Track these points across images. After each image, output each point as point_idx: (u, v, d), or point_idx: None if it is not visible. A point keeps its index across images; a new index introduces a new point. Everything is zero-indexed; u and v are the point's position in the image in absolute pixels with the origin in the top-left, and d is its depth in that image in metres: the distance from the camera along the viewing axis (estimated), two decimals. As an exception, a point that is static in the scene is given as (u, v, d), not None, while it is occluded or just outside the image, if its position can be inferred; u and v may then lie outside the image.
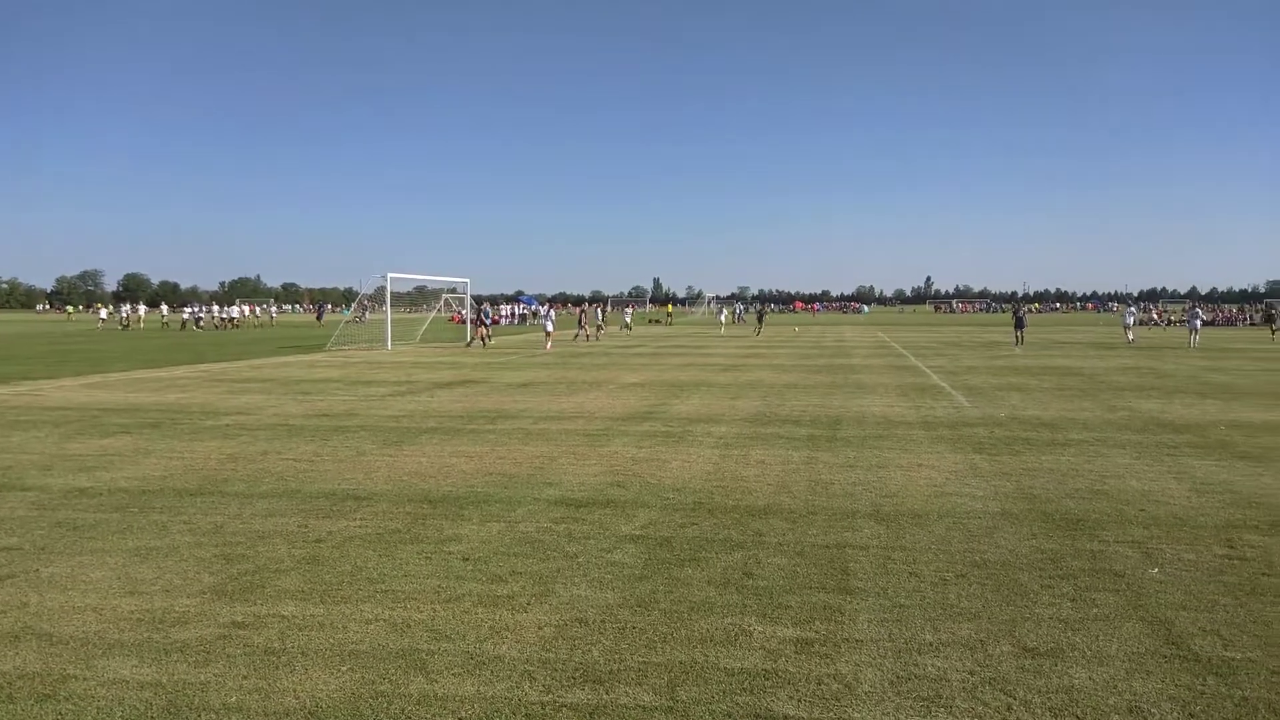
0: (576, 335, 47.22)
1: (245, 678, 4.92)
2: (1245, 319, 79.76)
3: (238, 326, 70.63)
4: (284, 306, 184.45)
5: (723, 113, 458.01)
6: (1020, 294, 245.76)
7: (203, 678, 4.91)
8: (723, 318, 73.68)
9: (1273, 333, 50.20)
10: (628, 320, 62.53)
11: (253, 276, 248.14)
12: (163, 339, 47.88)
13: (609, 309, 75.44)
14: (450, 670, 5.00)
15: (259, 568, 6.88)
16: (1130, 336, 43.92)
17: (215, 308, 79.07)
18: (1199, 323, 41.36)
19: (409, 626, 5.66)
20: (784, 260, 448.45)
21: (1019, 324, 40.89)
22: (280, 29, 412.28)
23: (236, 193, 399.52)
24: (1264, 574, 6.69)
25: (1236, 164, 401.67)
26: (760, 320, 63.07)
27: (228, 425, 14.39)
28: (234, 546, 7.44)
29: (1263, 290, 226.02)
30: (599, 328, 48.93)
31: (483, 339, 39.19)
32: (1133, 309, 48.30)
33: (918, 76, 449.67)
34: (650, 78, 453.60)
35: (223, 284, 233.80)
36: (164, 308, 78.60)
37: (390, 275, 39.22)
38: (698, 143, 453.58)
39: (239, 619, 5.81)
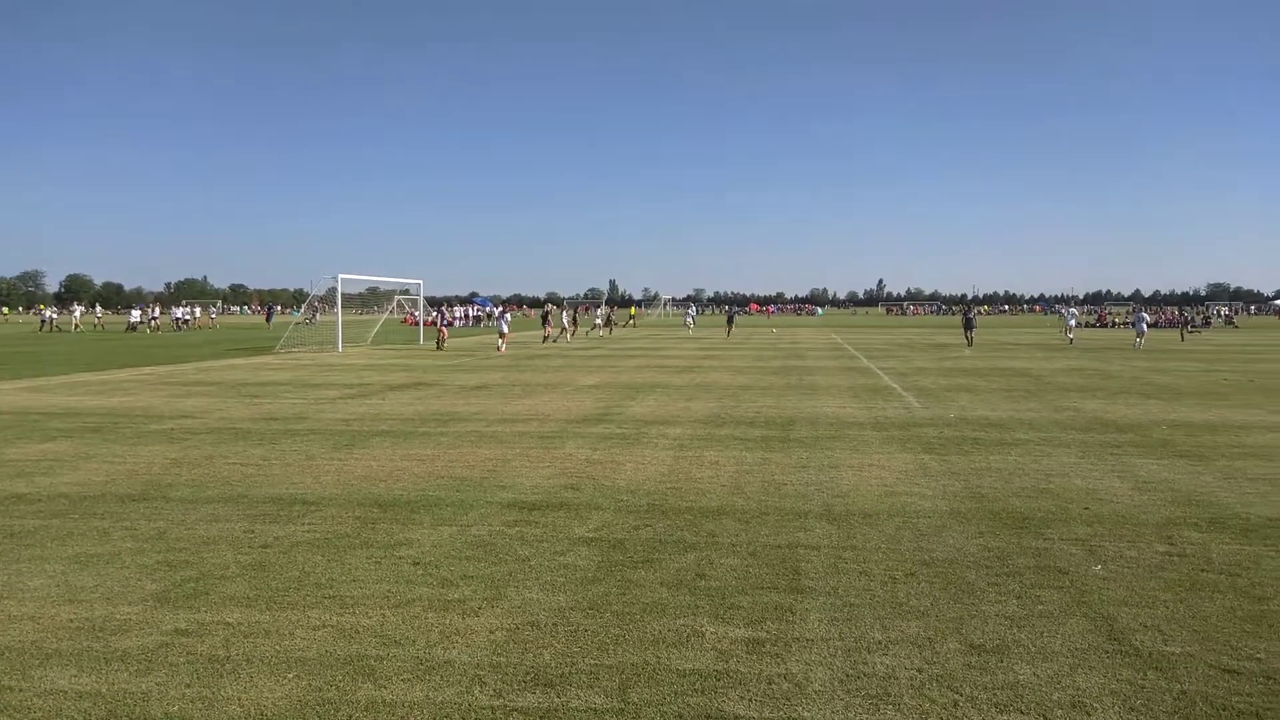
0: (545, 337, 47.09)
1: (188, 686, 4.84)
2: (1187, 321, 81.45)
3: (193, 327, 69.52)
4: (230, 308, 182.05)
5: (676, 113, 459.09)
6: (970, 296, 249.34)
7: (144, 687, 4.81)
8: (690, 319, 74.06)
9: (1182, 337, 51.50)
10: (599, 321, 60.23)
11: (200, 277, 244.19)
12: (102, 342, 46.95)
13: (586, 311, 75.17)
14: (399, 676, 4.95)
15: (203, 574, 6.76)
16: (1070, 337, 44.83)
17: (177, 309, 78.13)
18: (1145, 325, 42.28)
19: (357, 632, 5.60)
20: (740, 262, 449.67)
21: (968, 325, 41.65)
22: (227, 31, 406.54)
23: (183, 192, 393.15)
24: (1203, 570, 6.83)
25: (1177, 172, 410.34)
26: (730, 322, 63.51)
27: (172, 429, 14.14)
28: (178, 553, 7.31)
29: (1204, 293, 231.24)
30: (563, 330, 48.76)
31: (439, 341, 38.97)
32: (1074, 311, 49.43)
33: (869, 77, 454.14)
34: (600, 78, 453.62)
35: (169, 285, 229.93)
36: (98, 309, 75.40)
37: (341, 276, 38.83)
38: (652, 143, 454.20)
39: (182, 626, 5.71)
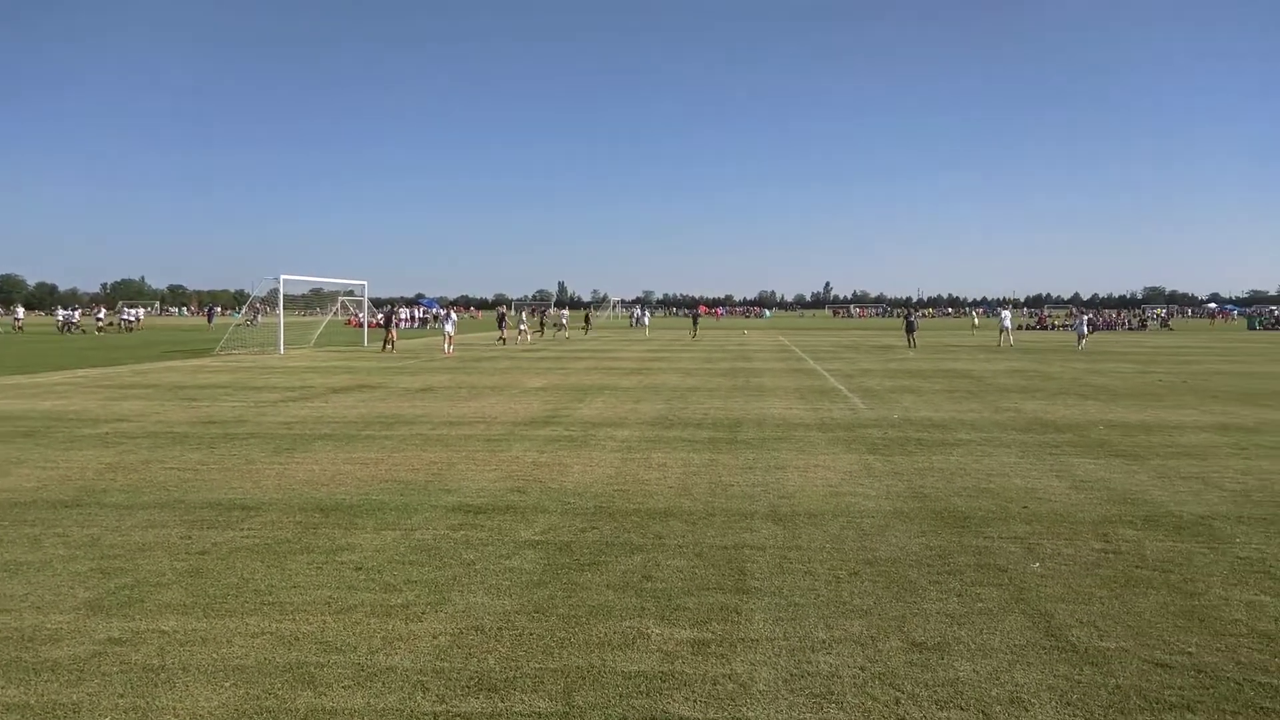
0: (501, 339, 46.84)
1: (121, 697, 4.72)
2: (1124, 324, 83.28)
3: (139, 329, 68.29)
4: (169, 309, 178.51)
5: (625, 116, 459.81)
6: (914, 299, 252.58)
7: (75, 698, 4.69)
8: (646, 320, 74.25)
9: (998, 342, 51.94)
10: (564, 322, 61.14)
11: (137, 278, 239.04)
12: (33, 344, 45.75)
13: (539, 314, 75.24)
14: (340, 683, 4.88)
15: (138, 581, 6.61)
16: (1009, 340, 45.57)
17: (127, 311, 76.89)
18: (1086, 327, 43.16)
19: (297, 639, 5.51)
20: (689, 265, 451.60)
21: (910, 328, 42.35)
22: (162, 28, 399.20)
23: (119, 191, 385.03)
24: (1137, 567, 6.97)
25: (1116, 179, 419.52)
26: (695, 324, 64.42)
27: (107, 433, 13.82)
28: (112, 560, 7.14)
29: (1140, 296, 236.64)
30: (521, 332, 48.61)
31: (388, 343, 38.54)
32: (1007, 313, 50.36)
33: (820, 79, 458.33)
34: (551, 80, 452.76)
35: (105, 285, 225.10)
36: (19, 310, 72.82)
37: (284, 277, 38.21)
38: (600, 144, 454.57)
39: (116, 635, 5.57)
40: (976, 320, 75.18)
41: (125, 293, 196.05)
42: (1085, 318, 47.05)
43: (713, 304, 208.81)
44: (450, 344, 36.87)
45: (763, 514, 8.67)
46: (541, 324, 60.45)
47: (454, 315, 40.30)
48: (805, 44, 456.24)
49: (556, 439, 13.35)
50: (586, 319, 72.17)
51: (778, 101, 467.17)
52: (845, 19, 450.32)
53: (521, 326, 48.38)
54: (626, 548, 7.50)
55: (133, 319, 73.47)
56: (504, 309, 56.27)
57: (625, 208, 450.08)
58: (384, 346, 38.51)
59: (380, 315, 47.95)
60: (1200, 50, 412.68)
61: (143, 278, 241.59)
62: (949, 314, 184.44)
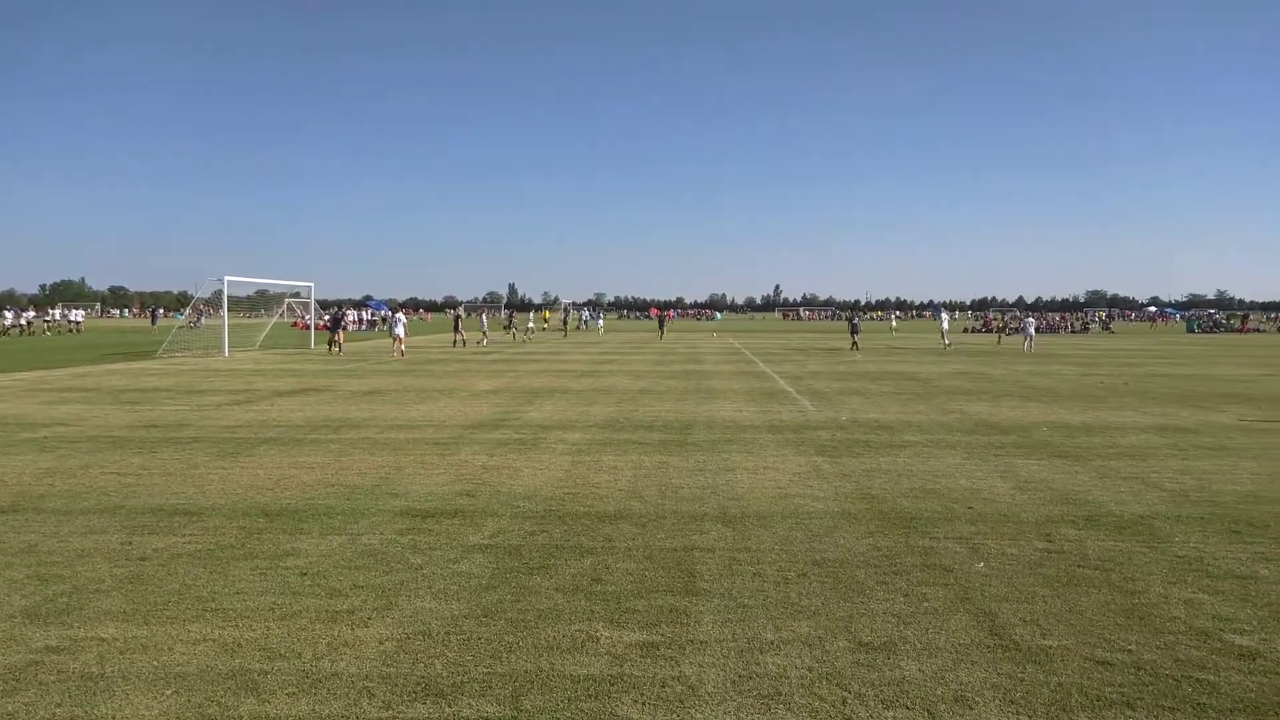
0: (457, 341, 46.49)
1: (59, 706, 4.62)
2: (1068, 326, 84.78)
3: (59, 331, 67.24)
4: (110, 311, 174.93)
5: (575, 117, 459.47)
6: (862, 302, 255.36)
7: (11, 708, 4.57)
8: (600, 323, 74.47)
9: (998, 339, 53.40)
10: (530, 325, 61.40)
11: (77, 279, 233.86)
12: (-24, 347, 44.64)
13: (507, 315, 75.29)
14: (284, 690, 4.81)
15: (77, 588, 6.47)
16: (946, 341, 46.50)
17: (73, 312, 75.97)
18: (1033, 330, 44.09)
19: (240, 646, 5.42)
20: (639, 267, 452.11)
21: (854, 330, 43.16)
22: (104, 29, 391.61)
23: (57, 189, 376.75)
24: (1079, 566, 7.09)
25: (1059, 183, 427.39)
26: (661, 326, 65.72)
27: (45, 437, 13.51)
28: (49, 566, 6.98)
29: (1083, 300, 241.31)
30: (485, 334, 48.42)
31: (331, 344, 38.13)
32: (945, 315, 51.64)
33: (768, 84, 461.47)
34: (503, 81, 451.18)
35: (43, 287, 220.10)
36: None
37: (228, 278, 37.63)
38: (550, 146, 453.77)
39: (53, 643, 5.45)
40: (895, 324, 76.82)
41: (65, 294, 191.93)
42: (1031, 321, 47.99)
43: (664, 306, 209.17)
44: (400, 346, 36.50)
45: (712, 516, 8.70)
46: (511, 325, 60.25)
47: (403, 317, 39.77)
48: (747, 46, 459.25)
49: (506, 442, 13.29)
50: (564, 321, 73.50)
51: (729, 105, 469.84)
52: (777, 19, 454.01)
53: (484, 328, 48.15)
54: (576, 551, 7.48)
55: (79, 320, 72.29)
56: (460, 311, 56.10)
57: (577, 210, 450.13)
58: (330, 349, 38.09)
59: (327, 317, 47.21)
60: (1137, 53, 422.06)
61: (83, 279, 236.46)
62: (897, 316, 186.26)
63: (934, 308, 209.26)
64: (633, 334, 67.42)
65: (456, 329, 47.92)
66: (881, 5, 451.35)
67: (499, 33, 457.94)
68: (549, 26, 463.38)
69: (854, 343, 42.27)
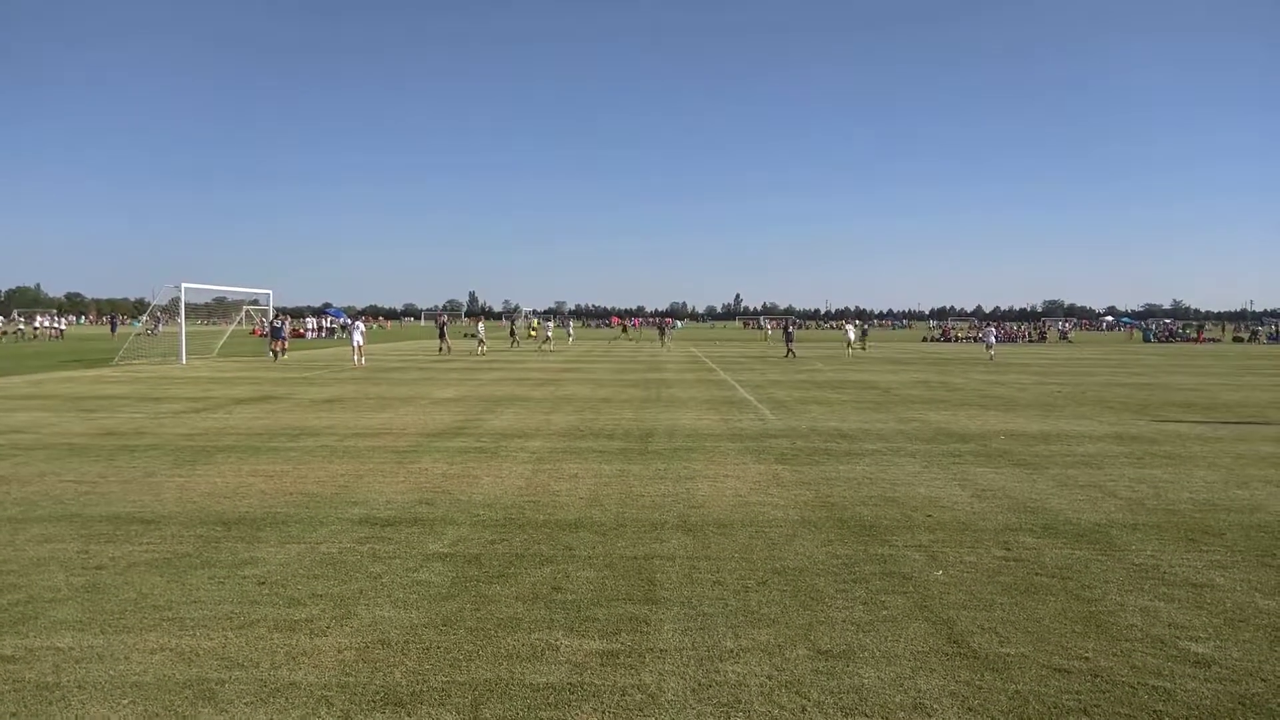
0: (442, 349, 46.18)
1: (14, 715, 4.55)
2: (1025, 336, 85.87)
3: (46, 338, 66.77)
4: (66, 317, 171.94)
5: (538, 125, 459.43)
6: (823, 311, 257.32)
7: (-41, 721, 4.49)
8: (570, 329, 74.21)
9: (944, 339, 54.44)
10: (549, 334, 57.97)
11: (32, 285, 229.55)
12: (-75, 352, 43.73)
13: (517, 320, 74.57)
14: (241, 699, 4.76)
15: (32, 598, 6.37)
16: (850, 351, 48.12)
17: (47, 319, 76.12)
18: (994, 339, 44.90)
19: (197, 655, 5.36)
20: (600, 275, 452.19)
21: (788, 338, 44.01)
22: (48, 23, 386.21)
23: (9, 192, 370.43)
24: (1036, 574, 7.19)
25: (1018, 193, 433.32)
26: (663, 334, 66.73)
27: (1, 445, 13.29)
28: (4, 576, 6.86)
29: (1040, 309, 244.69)
30: (482, 342, 47.85)
31: (274, 352, 37.79)
32: (850, 326, 53.81)
33: (730, 91, 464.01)
34: (460, 84, 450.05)
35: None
36: None
37: (186, 285, 37.10)
38: (508, 152, 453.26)
39: (8, 653, 5.37)
40: (770, 330, 77.31)
41: (20, 300, 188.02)
42: (992, 330, 48.81)
43: (624, 315, 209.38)
44: (360, 354, 36.19)
45: (673, 524, 8.72)
46: (513, 333, 59.23)
47: (362, 325, 39.47)
48: (713, 55, 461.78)
49: (466, 450, 13.24)
50: (513, 331, 70.49)
51: (688, 114, 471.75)
52: (742, 30, 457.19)
53: (480, 336, 47.44)
54: (536, 559, 7.47)
55: (61, 327, 73.62)
56: (444, 318, 55.88)
57: (537, 217, 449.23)
58: (273, 356, 37.72)
59: (265, 324, 46.10)
60: (1094, 62, 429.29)
61: (38, 285, 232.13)
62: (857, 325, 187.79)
63: (894, 317, 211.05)
64: (596, 342, 67.29)
65: (442, 336, 47.80)
66: (872, 14, 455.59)
67: (460, 35, 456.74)
68: (518, 30, 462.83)
69: (789, 351, 43.07)
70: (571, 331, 69.97)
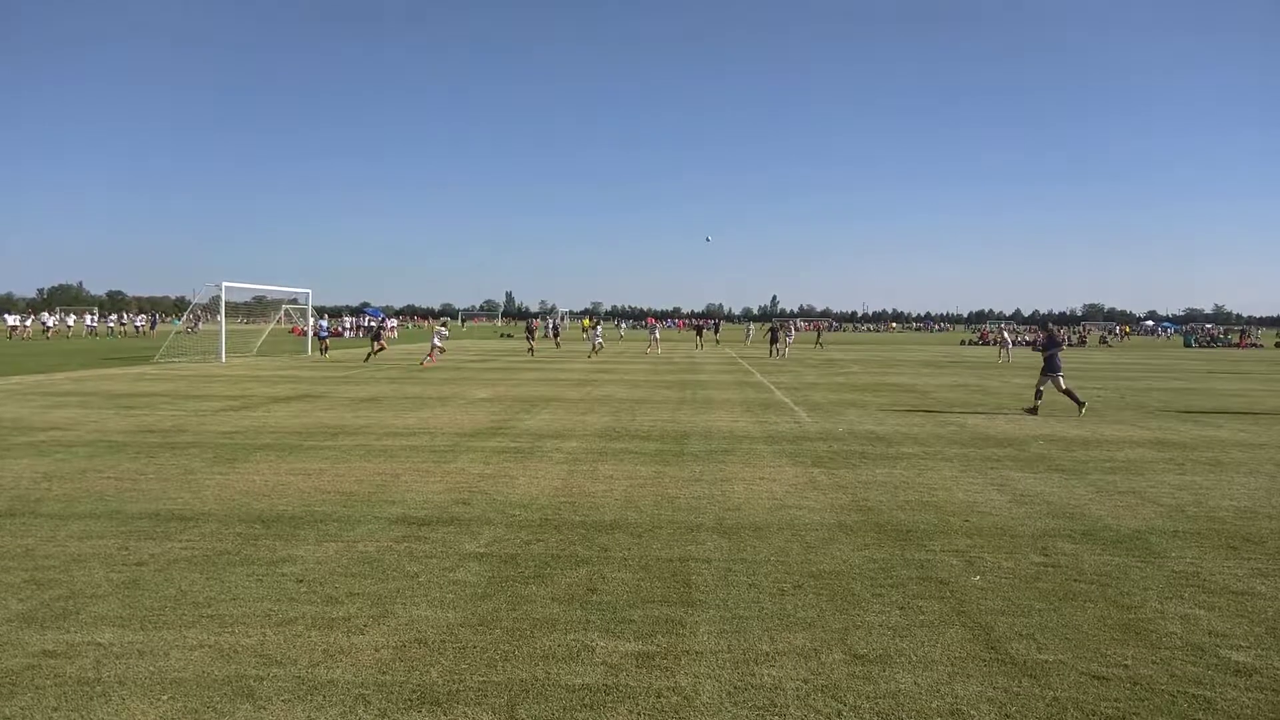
0: (531, 349, 46.71)
1: (55, 710, 4.62)
2: (1065, 340, 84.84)
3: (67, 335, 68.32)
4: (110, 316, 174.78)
5: (575, 126, 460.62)
6: (860, 314, 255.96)
7: (7, 712, 4.57)
8: (598, 336, 73.95)
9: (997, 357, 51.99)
10: (600, 336, 51.95)
11: (75, 283, 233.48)
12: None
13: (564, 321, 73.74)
14: (279, 696, 4.81)
15: (73, 593, 6.47)
16: (747, 340, 48.10)
17: (140, 317, 79.24)
18: (1010, 343, 44.51)
19: (236, 652, 5.42)
20: (637, 276, 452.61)
21: (774, 339, 44.17)
22: (104, 26, 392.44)
23: (54, 192, 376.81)
24: (1075, 580, 7.10)
25: (1058, 198, 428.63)
26: (700, 335, 64.88)
27: (43, 441, 13.50)
28: (46, 571, 6.98)
29: (1080, 313, 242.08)
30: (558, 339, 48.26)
31: (375, 350, 38.65)
32: (752, 325, 53.48)
33: (763, 90, 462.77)
34: (496, 89, 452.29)
35: (41, 291, 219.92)
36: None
37: (226, 284, 37.65)
38: (548, 155, 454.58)
39: (50, 648, 5.45)
40: (753, 331, 76.27)
41: (62, 298, 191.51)
42: (1006, 332, 48.49)
43: (660, 316, 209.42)
44: (378, 347, 37.55)
45: (708, 526, 8.70)
46: (556, 334, 58.98)
47: (390, 323, 40.75)
48: (752, 52, 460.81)
49: (503, 450, 13.29)
50: (531, 334, 68.08)
51: (725, 114, 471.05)
52: (760, 26, 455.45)
53: (555, 332, 48.28)
54: (572, 560, 7.49)
55: (141, 324, 76.36)
56: (534, 319, 56.40)
57: (573, 218, 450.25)
58: (372, 352, 38.71)
59: (312, 324, 46.56)
60: (1135, 64, 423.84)
61: (80, 283, 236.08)
62: (894, 328, 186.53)
63: (929, 320, 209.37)
64: (632, 344, 67.32)
65: (530, 336, 49.24)
66: (881, 13, 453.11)
67: (494, 36, 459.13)
68: (549, 29, 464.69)
69: (772, 350, 43.13)
70: (600, 338, 60.59)
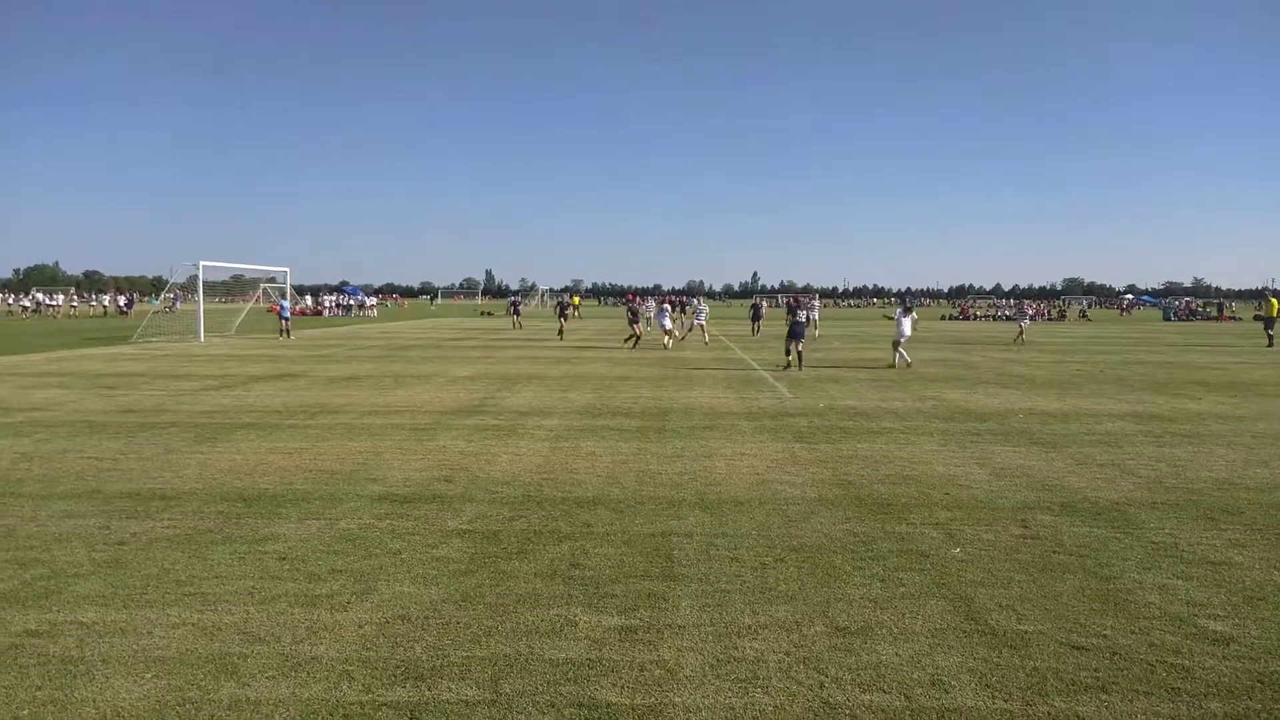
0: (633, 337, 36.53)
1: (39, 689, 4.62)
2: (1044, 314, 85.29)
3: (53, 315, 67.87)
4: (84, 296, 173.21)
5: (554, 102, 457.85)
6: (841, 289, 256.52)
7: (-12, 693, 4.56)
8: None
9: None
10: (667, 325, 33.74)
11: (51, 263, 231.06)
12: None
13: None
14: (264, 673, 4.82)
15: (55, 572, 6.45)
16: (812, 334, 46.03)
17: (121, 297, 78.39)
18: (1028, 320, 44.36)
19: (219, 630, 5.42)
20: (617, 253, 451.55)
21: (755, 316, 42.46)
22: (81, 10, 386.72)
23: (29, 172, 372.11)
24: (1054, 552, 7.18)
25: (1036, 173, 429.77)
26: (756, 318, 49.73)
27: (21, 422, 13.41)
28: (28, 550, 6.95)
29: (1060, 287, 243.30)
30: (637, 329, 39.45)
31: (518, 324, 38.35)
32: (653, 301, 52.57)
33: (749, 70, 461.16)
34: (479, 66, 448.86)
35: (17, 271, 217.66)
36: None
37: (203, 264, 37.32)
38: (527, 132, 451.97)
39: (32, 627, 5.45)
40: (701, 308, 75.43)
41: (39, 279, 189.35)
42: (1028, 310, 48.24)
43: (642, 293, 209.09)
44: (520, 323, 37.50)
45: (690, 502, 8.74)
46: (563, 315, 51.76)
47: (369, 300, 40.25)
48: (741, 39, 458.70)
49: (484, 428, 13.28)
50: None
51: (709, 94, 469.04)
52: (745, 12, 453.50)
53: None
54: (554, 536, 7.51)
55: (126, 306, 75.50)
56: (566, 299, 54.11)
57: (553, 195, 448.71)
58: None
59: (280, 303, 43.72)
60: (1121, 44, 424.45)
61: (56, 263, 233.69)
62: (874, 304, 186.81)
63: (911, 295, 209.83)
64: (612, 320, 67.22)
65: (562, 315, 44.20)
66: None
67: (479, 13, 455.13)
68: (532, 17, 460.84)
69: (754, 328, 42.00)
70: (668, 320, 48.11)
